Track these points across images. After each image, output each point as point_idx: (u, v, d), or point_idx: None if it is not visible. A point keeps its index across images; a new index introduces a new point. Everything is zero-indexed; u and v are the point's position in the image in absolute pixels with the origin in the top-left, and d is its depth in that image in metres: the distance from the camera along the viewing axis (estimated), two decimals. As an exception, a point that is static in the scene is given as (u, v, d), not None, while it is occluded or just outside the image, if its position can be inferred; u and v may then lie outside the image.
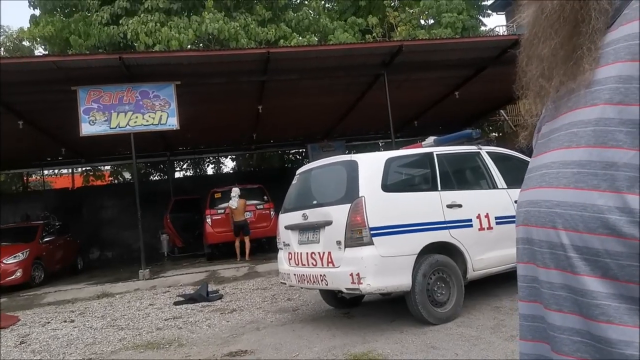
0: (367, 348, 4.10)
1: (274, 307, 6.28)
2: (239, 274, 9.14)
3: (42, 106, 11.13)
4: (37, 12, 18.45)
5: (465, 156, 5.68)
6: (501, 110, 18.16)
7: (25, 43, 20.65)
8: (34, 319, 7.07)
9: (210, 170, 23.86)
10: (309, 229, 5.09)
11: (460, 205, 4.96)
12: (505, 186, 5.41)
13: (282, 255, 5.56)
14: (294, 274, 5.19)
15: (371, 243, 4.44)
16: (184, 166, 23.85)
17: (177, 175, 22.41)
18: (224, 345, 4.75)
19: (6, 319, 7.09)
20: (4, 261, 10.06)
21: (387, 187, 4.79)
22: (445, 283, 4.73)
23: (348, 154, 5.07)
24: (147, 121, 10.08)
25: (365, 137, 19.13)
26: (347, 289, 4.54)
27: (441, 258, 4.73)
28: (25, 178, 21.25)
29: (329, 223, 4.78)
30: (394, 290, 4.61)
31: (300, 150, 21.78)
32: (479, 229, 5.01)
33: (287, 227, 5.43)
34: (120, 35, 15.82)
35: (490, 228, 5.06)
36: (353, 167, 4.85)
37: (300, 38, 16.75)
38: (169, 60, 10.00)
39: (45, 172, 22.38)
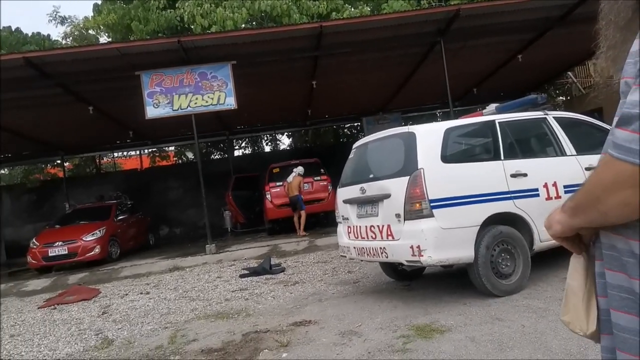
0: (430, 319, 4.10)
1: (335, 280, 6.40)
2: (299, 247, 9.36)
3: (109, 93, 11.74)
4: (99, 1, 19.26)
5: (530, 123, 5.42)
6: (569, 73, 17.07)
7: (91, 31, 21.62)
8: (113, 292, 7.64)
9: (267, 148, 24.31)
10: (368, 203, 5.09)
11: (525, 175, 4.78)
12: (574, 153, 5.14)
13: (341, 228, 5.62)
14: (354, 247, 5.24)
15: (431, 215, 4.39)
16: (243, 144, 24.43)
17: (237, 153, 23.02)
18: (289, 315, 4.93)
19: (89, 291, 7.71)
20: (84, 238, 10.87)
21: (446, 158, 4.69)
22: (510, 255, 4.61)
23: (404, 126, 5.01)
24: (207, 102, 10.40)
25: (422, 108, 18.68)
26: (407, 261, 4.54)
27: (505, 229, 4.60)
28: (97, 161, 22.61)
29: (388, 196, 4.76)
30: (455, 263, 4.56)
31: (355, 124, 21.65)
32: (546, 199, 4.81)
33: (345, 201, 5.47)
34: (177, 19, 16.23)
35: (558, 197, 4.84)
36: (411, 138, 4.77)
37: (353, 9, 16.43)
38: (224, 41, 10.17)
39: (115, 154, 23.75)
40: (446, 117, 15.02)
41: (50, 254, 10.60)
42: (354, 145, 5.85)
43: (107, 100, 12.27)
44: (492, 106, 5.79)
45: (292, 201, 11.41)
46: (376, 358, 3.43)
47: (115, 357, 4.31)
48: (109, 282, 8.66)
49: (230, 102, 10.44)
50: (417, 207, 4.47)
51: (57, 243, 10.74)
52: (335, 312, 4.78)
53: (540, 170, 4.91)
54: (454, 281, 5.29)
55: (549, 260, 5.11)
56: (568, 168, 5.01)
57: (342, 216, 5.58)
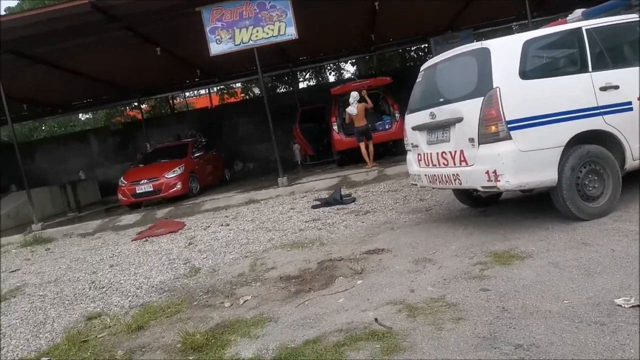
0: (509, 246, 3.98)
1: (406, 208, 6.36)
2: (369, 177, 9.34)
3: (174, 32, 11.84)
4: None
5: (622, 28, 4.78)
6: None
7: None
8: (196, 224, 8.14)
9: (332, 78, 23.91)
10: (438, 128, 4.87)
11: (616, 87, 4.30)
12: (676, 59, 4.52)
13: (411, 156, 5.48)
14: (425, 175, 5.11)
15: (508, 138, 4.12)
16: (307, 76, 24.18)
17: (301, 86, 22.88)
18: (362, 244, 5.00)
19: (176, 224, 8.28)
20: (166, 176, 11.56)
21: (525, 73, 4.30)
22: (599, 175, 4.28)
23: (476, 42, 4.62)
24: (267, 34, 10.23)
25: (496, 22, 17.21)
26: (483, 187, 4.36)
27: (593, 148, 4.24)
28: (171, 101, 23.49)
29: (460, 120, 4.51)
30: (536, 187, 4.30)
31: (423, 46, 20.54)
32: (642, 112, 4.32)
33: (414, 128, 5.27)
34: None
35: (654, 109, 4.33)
36: (484, 55, 4.40)
37: None
38: (281, -33, 9.76)
39: (187, 94, 24.51)
40: (524, 30, 13.75)
41: (137, 191, 11.45)
42: (422, 68, 5.53)
43: (172, 39, 12.45)
44: (578, 12, 5.17)
45: (360, 132, 10.85)
46: (452, 285, 3.41)
47: (202, 283, 4.64)
48: (192, 216, 9.23)
49: (291, 32, 10.20)
50: (492, 129, 4.21)
51: (143, 181, 11.54)
52: (408, 240, 4.78)
53: (634, 82, 4.39)
54: (535, 206, 5.05)
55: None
56: (669, 77, 4.43)
57: (412, 144, 5.42)
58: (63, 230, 9.93)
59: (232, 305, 3.90)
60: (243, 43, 10.31)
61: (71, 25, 10.13)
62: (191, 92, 24.72)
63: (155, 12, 10.39)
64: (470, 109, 4.38)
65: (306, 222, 6.64)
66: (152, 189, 11.40)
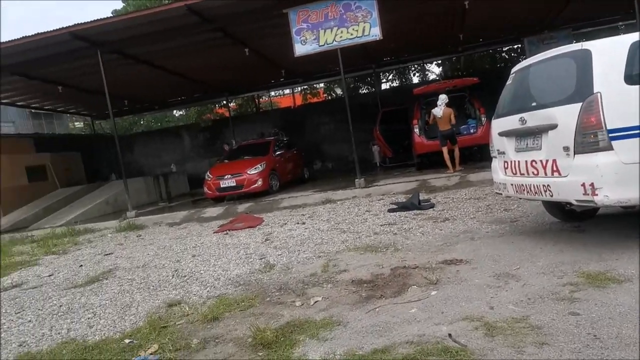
0: (605, 267, 3.62)
1: (489, 218, 6.04)
2: (450, 183, 9.01)
3: (262, 33, 12.26)
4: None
5: None
6: None
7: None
8: (274, 221, 8.34)
9: (415, 79, 23.42)
10: (528, 135, 4.56)
11: None
12: None
13: (496, 164, 5.18)
14: (511, 184, 4.80)
15: (609, 148, 3.75)
16: (389, 77, 23.90)
17: (384, 86, 22.65)
18: (439, 252, 4.81)
19: (255, 220, 8.54)
20: (248, 172, 11.98)
21: (632, 78, 3.88)
22: None
23: (575, 42, 4.26)
24: (352, 34, 10.23)
25: (598, 22, 15.88)
26: (577, 200, 4.00)
27: None
28: (256, 100, 24.34)
29: (553, 127, 4.18)
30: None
31: (515, 46, 19.49)
32: None
33: (501, 134, 4.97)
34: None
35: None
36: (585, 57, 4.04)
37: None
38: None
39: (272, 93, 25.28)
40: (631, 30, 12.54)
41: (221, 186, 11.99)
42: (513, 70, 5.20)
43: (260, 40, 12.89)
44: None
45: (444, 135, 10.62)
46: (537, 305, 3.16)
47: (276, 280, 4.72)
48: (271, 212, 9.47)
49: (375, 33, 10.13)
50: (591, 138, 3.85)
51: (227, 176, 12.07)
52: (490, 252, 4.52)
53: None
54: (637, 224, 4.56)
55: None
56: None
57: (498, 150, 5.12)
58: (154, 219, 10.63)
59: (302, 304, 3.91)
60: (327, 44, 10.41)
61: (168, 27, 10.84)
62: (276, 92, 25.44)
63: (246, 14, 10.80)
64: (566, 115, 4.05)
65: (381, 225, 6.54)
66: (234, 184, 11.87)
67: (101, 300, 4.80)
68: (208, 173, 12.65)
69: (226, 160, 13.67)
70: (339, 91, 24.07)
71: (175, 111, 28.28)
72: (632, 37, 4.12)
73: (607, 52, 4.03)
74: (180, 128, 22.35)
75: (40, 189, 15.50)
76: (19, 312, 4.80)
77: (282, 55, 13.29)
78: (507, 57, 21.39)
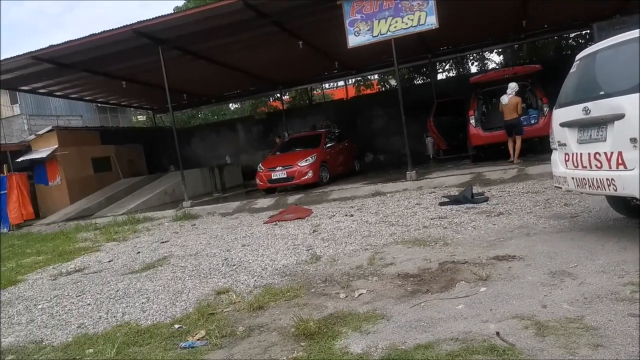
0: (673, 267, 3.34)
1: (547, 213, 5.73)
2: (506, 176, 8.63)
3: (316, 26, 12.25)
4: None
5: None
6: None
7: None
8: (322, 212, 8.35)
9: (474, 69, 22.62)
10: (592, 126, 4.27)
11: None
12: None
13: (556, 156, 4.90)
14: (572, 178, 4.52)
15: (682, 140, 3.44)
16: (446, 67, 23.23)
17: (440, 77, 22.05)
18: (490, 248, 4.62)
19: (304, 211, 8.59)
20: (299, 164, 12.07)
21: None
22: None
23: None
24: (407, 24, 10.00)
25: (679, 4, 14.59)
26: (644, 196, 3.71)
27: None
28: (310, 93, 24.44)
29: (620, 117, 3.89)
30: None
31: (583, 32, 18.32)
32: None
33: (562, 125, 4.69)
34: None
35: None
36: (657, 42, 3.72)
37: None
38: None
39: (325, 85, 25.29)
40: None
41: (273, 177, 12.17)
42: (577, 57, 4.88)
43: (314, 33, 12.89)
44: None
45: (509, 125, 10.39)
46: (594, 305, 2.96)
47: (321, 271, 4.72)
48: (320, 204, 9.49)
49: (432, 22, 9.83)
50: (662, 129, 3.55)
51: (278, 168, 12.22)
52: (546, 249, 4.29)
53: None
54: None
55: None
56: None
57: (559, 142, 4.84)
58: (208, 209, 10.97)
59: (347, 297, 3.89)
60: (381, 34, 10.24)
61: (225, 23, 11.07)
62: (329, 84, 25.42)
63: (300, 7, 10.83)
64: (634, 105, 3.76)
65: (431, 219, 6.38)
66: (285, 176, 12.00)
67: (155, 286, 5.00)
68: (260, 165, 12.87)
69: (278, 153, 13.85)
70: (393, 82, 23.69)
71: (230, 104, 28.96)
72: None
73: (683, 36, 3.69)
74: (235, 121, 22.87)
75: (105, 179, 16.40)
76: (79, 296, 5.10)
77: (335, 47, 13.24)
78: (574, 44, 20.16)
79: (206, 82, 17.50)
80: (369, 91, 23.29)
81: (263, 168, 12.55)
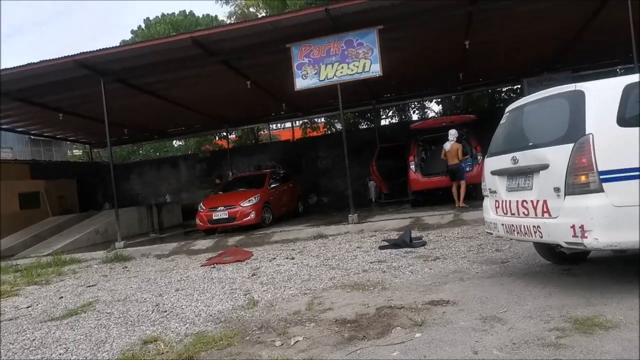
0: (593, 312, 3.48)
1: (479, 258, 5.89)
2: (443, 221, 8.89)
3: (264, 67, 12.43)
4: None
5: None
6: None
7: (252, 9, 23.10)
8: (263, 255, 8.17)
9: (415, 116, 23.61)
10: (520, 174, 4.49)
11: None
12: None
13: (487, 203, 5.10)
14: (502, 224, 4.70)
15: (600, 190, 3.67)
16: (389, 113, 24.10)
17: (383, 122, 22.82)
18: (426, 292, 4.66)
19: (244, 253, 8.38)
20: (241, 204, 11.86)
21: (625, 120, 3.84)
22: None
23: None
24: (352, 70, 10.35)
25: (597, 65, 16.10)
26: (567, 243, 3.89)
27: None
28: (256, 133, 24.48)
29: (545, 167, 4.12)
30: (630, 248, 3.76)
31: (515, 87, 19.72)
32: None
33: (493, 173, 4.92)
34: (329, -12, 16.42)
35: None
36: (578, 98, 4.02)
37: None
38: (372, 5, 9.86)
39: (272, 126, 25.45)
40: (629, 74, 12.68)
41: (214, 218, 11.85)
42: (507, 109, 5.20)
43: (262, 74, 13.04)
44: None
45: (452, 170, 10.87)
46: (522, 351, 3.01)
47: (258, 317, 4.55)
48: (261, 246, 9.30)
49: (376, 69, 10.24)
50: (582, 179, 3.78)
51: (220, 208, 11.94)
52: (478, 294, 4.37)
53: None
54: (628, 269, 4.43)
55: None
56: None
57: (489, 189, 5.05)
58: (142, 250, 10.46)
59: (282, 344, 3.74)
60: (328, 79, 10.52)
61: (173, 58, 10.98)
62: (276, 125, 25.63)
63: (250, 48, 10.96)
64: (558, 156, 3.99)
65: (371, 263, 6.39)
66: (227, 217, 11.73)
67: (76, 335, 4.61)
68: (201, 204, 12.55)
69: (220, 192, 13.59)
70: (339, 126, 24.25)
71: (174, 141, 28.42)
72: (626, 79, 4.11)
73: (601, 94, 4.01)
74: (178, 158, 22.40)
75: (33, 216, 15.35)
76: (-12, 345, 4.60)
77: (283, 88, 13.43)
78: (506, 97, 21.62)
79: (149, 117, 17.13)
80: (315, 133, 23.66)
81: (204, 208, 12.23)
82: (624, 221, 3.64)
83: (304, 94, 11.82)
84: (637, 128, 3.86)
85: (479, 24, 10.74)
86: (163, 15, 26.71)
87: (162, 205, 17.45)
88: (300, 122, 23.37)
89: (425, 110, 23.87)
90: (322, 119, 23.83)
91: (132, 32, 27.65)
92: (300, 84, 10.70)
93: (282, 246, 8.95)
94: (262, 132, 25.72)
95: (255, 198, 12.01)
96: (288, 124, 24.47)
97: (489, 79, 17.54)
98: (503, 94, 21.82)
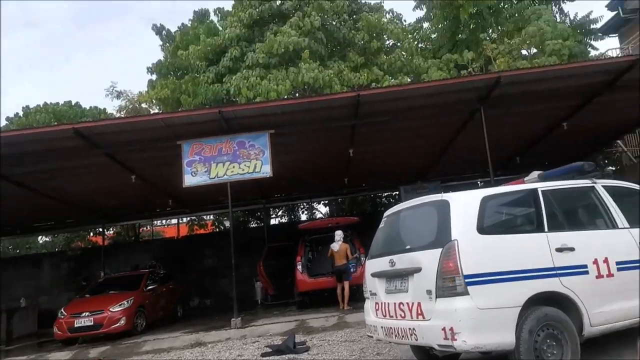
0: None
1: (362, 363, 5.78)
2: (328, 324, 8.76)
3: (153, 162, 12.03)
4: (154, 77, 20.57)
5: (576, 192, 4.94)
6: (618, 141, 16.29)
7: (144, 105, 22.91)
8: (131, 368, 7.24)
9: (303, 216, 24.12)
10: (397, 277, 4.66)
11: (572, 249, 4.25)
12: (627, 225, 4.59)
13: (368, 305, 5.16)
14: (382, 327, 4.74)
15: (466, 293, 3.91)
16: (279, 213, 24.36)
17: (273, 222, 22.91)
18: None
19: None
20: (110, 309, 10.60)
21: (483, 229, 4.26)
22: (557, 341, 3.99)
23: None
24: (243, 170, 10.45)
25: (463, 177, 18.15)
26: (439, 345, 4.00)
27: (551, 311, 4.02)
28: (137, 229, 23.01)
29: (418, 270, 4.33)
30: (494, 349, 3.96)
31: (394, 193, 21.27)
32: (597, 277, 4.25)
33: (373, 275, 5.05)
34: (224, 92, 16.99)
35: (610, 275, 4.28)
36: (444, 207, 4.41)
37: (393, 80, 16.66)
38: (264, 111, 10.33)
39: (156, 222, 24.17)
40: (487, 186, 14.42)
41: (76, 325, 10.39)
42: (385, 214, 5.51)
43: (149, 169, 12.57)
44: (535, 173, 5.37)
45: (339, 271, 10.90)
46: None
47: None
48: (129, 357, 8.28)
49: (266, 171, 10.45)
50: (450, 282, 4.02)
51: (84, 313, 10.55)
52: (358, 404, 4.20)
53: (589, 244, 4.40)
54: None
55: (600, 345, 4.42)
56: (620, 242, 4.49)
57: (370, 291, 5.14)
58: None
59: None
60: (218, 177, 10.47)
61: (50, 148, 10.20)
62: (160, 221, 24.43)
63: (137, 142, 10.62)
64: (429, 259, 4.24)
65: (252, 372, 5.95)
66: (92, 323, 10.37)
67: None
68: (62, 310, 11.01)
69: (87, 295, 12.12)
70: (228, 224, 23.80)
71: (40, 237, 25.39)
72: (483, 192, 4.62)
73: (463, 204, 4.43)
74: (42, 256, 19.97)
75: None
76: None
77: (170, 184, 12.99)
78: (387, 202, 23.15)
79: (12, 210, 15.31)
80: (202, 231, 22.89)
81: (65, 314, 10.71)
82: (488, 323, 3.86)
83: (193, 191, 11.56)
84: (495, 236, 4.30)
85: (361, 135, 11.67)
86: (45, 104, 25.31)
87: (15, 310, 15.01)
88: (187, 218, 22.57)
89: (314, 211, 24.57)
90: (211, 216, 23.28)
91: (8, 119, 25.65)
92: (189, 181, 10.49)
93: (154, 357, 8.03)
94: (144, 228, 24.26)
95: (127, 302, 10.86)
96: (174, 220, 23.47)
97: (371, 184, 18.80)
98: (384, 199, 23.35)
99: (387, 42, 19.73)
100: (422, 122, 11.59)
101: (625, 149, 16.50)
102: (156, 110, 21.28)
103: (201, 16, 21.22)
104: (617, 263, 4.32)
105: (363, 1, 20.30)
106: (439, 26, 20.18)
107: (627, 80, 9.77)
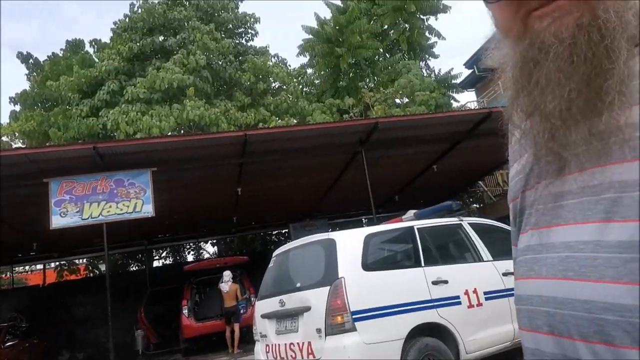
0: None
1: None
2: (216, 371, 8.42)
3: (13, 201, 10.76)
4: (18, 107, 18.69)
5: (447, 229, 5.48)
6: (480, 182, 18.36)
7: (5, 138, 20.62)
8: None
9: (190, 257, 23.15)
10: (287, 317, 4.69)
11: (446, 282, 4.67)
12: (490, 258, 5.18)
13: (259, 347, 5.10)
14: (272, 370, 4.70)
15: (354, 329, 4.07)
16: (163, 254, 23.13)
17: (156, 263, 21.66)
18: None
19: None
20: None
21: (367, 265, 4.51)
22: (438, 370, 4.31)
23: (331, 232, 4.97)
24: (121, 210, 9.79)
25: (348, 214, 18.97)
26: (329, 383, 4.08)
27: (431, 341, 4.34)
28: (-6, 277, 20.22)
29: (308, 309, 4.41)
30: (381, 383, 4.15)
31: (283, 230, 21.44)
32: (468, 306, 4.69)
33: (263, 316, 5.02)
34: (99, 126, 15.96)
35: (479, 304, 4.74)
36: (331, 246, 4.59)
37: (279, 120, 17.09)
38: (145, 147, 9.91)
39: (19, 269, 21.45)
40: (370, 223, 15.25)
41: None
42: (274, 254, 5.57)
43: (10, 209, 11.21)
44: (411, 212, 5.84)
45: (229, 312, 10.54)
46: None
47: None
48: None
49: (148, 210, 9.90)
50: (338, 320, 4.15)
51: None
52: None
53: (460, 277, 4.85)
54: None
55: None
56: (486, 273, 5.01)
57: (260, 333, 5.09)
58: None
59: None
60: (92, 218, 9.66)
61: None
62: (23, 267, 21.73)
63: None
64: (318, 298, 4.34)
65: None
66: None
67: None
68: None
69: None
70: (103, 268, 21.90)
71: None
72: (366, 230, 4.92)
73: (348, 242, 4.66)
74: None
75: None
76: None
77: (35, 226, 11.71)
78: (277, 240, 23.18)
79: None
80: (74, 276, 20.79)
81: None
82: (376, 357, 4.04)
83: (62, 233, 10.53)
84: (378, 272, 4.57)
85: (248, 173, 11.71)
86: None
87: None
88: (56, 263, 20.38)
89: (201, 251, 23.73)
90: (84, 260, 21.29)
91: None
92: (57, 222, 9.53)
93: None
94: (5, 276, 21.37)
95: (-20, 362, 9.47)
96: (39, 266, 21.03)
97: (261, 222, 18.78)
98: (273, 237, 23.38)
99: (273, 84, 20.34)
100: (308, 161, 12.02)
101: (486, 188, 18.63)
102: (20, 145, 19.29)
103: (74, 46, 20.04)
104: (485, 293, 4.82)
105: (249, 44, 20.82)
106: (322, 73, 21.37)
107: (484, 129, 11.18)
